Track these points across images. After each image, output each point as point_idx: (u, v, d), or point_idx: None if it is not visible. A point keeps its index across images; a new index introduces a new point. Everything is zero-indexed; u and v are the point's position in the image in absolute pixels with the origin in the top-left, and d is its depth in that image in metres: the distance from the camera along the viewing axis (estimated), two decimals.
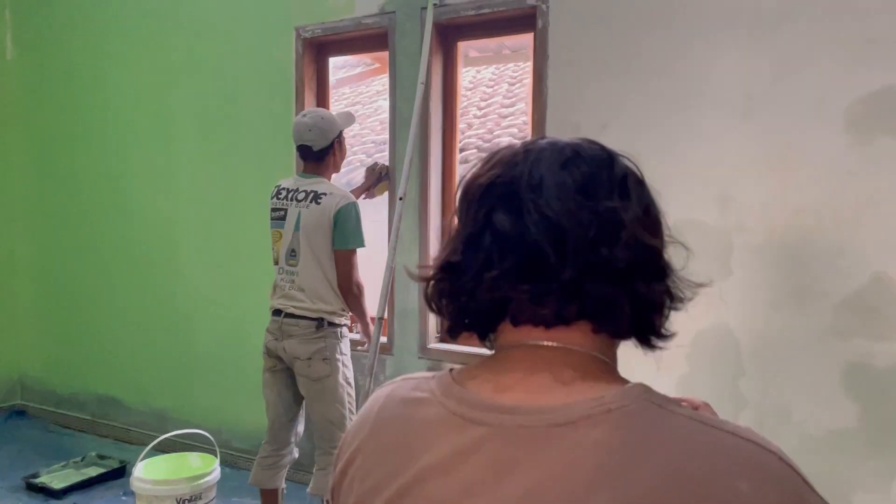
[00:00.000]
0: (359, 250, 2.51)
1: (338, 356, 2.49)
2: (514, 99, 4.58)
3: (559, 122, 2.59)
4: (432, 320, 2.97)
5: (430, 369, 2.87)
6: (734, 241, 2.32)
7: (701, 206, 2.36)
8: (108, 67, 3.77)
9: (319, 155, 2.55)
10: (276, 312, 2.53)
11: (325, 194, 2.48)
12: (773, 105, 2.25)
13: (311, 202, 2.48)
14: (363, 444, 0.68)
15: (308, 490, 2.59)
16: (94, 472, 3.35)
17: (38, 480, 3.21)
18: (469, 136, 3.85)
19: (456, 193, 0.70)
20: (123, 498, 3.13)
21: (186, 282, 3.60)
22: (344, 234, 2.46)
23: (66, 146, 4.00)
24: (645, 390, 0.60)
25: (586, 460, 0.56)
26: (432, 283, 0.68)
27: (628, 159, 0.69)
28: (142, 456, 2.62)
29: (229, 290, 3.47)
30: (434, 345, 2.96)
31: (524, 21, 2.71)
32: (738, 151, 2.30)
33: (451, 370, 0.69)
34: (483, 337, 0.68)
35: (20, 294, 4.25)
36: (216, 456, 2.78)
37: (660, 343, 0.68)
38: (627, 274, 0.62)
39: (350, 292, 2.49)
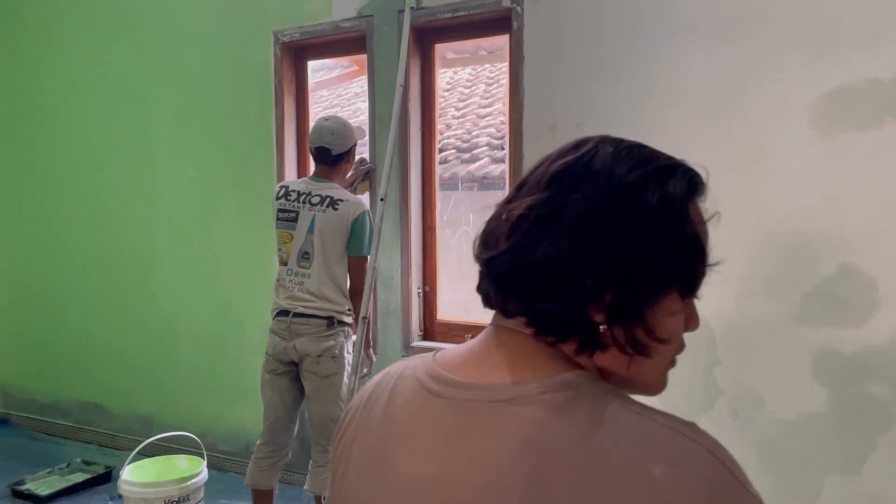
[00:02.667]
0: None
1: (345, 354, 2.58)
2: (491, 99, 4.64)
3: (536, 122, 2.65)
4: (415, 319, 3.02)
5: None
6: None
7: None
8: (83, 72, 3.77)
9: (335, 160, 2.65)
10: (283, 313, 2.58)
11: (341, 200, 2.58)
12: (739, 102, 2.32)
13: (327, 207, 2.57)
14: (357, 415, 0.74)
15: (305, 487, 2.63)
16: (79, 477, 3.35)
17: (23, 488, 3.21)
18: (448, 137, 3.90)
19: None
20: (110, 502, 3.14)
21: (166, 286, 3.61)
22: (360, 241, 2.58)
23: (40, 153, 3.99)
24: (592, 378, 0.64)
25: (516, 435, 0.60)
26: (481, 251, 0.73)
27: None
28: (129, 459, 2.64)
29: (209, 293, 3.49)
30: (417, 343, 3.00)
31: (500, 23, 2.77)
32: (707, 147, 2.37)
33: (436, 351, 0.75)
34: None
35: None
36: (203, 458, 2.80)
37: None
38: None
39: (360, 295, 2.59)
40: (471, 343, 0.71)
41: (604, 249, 0.62)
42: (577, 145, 0.69)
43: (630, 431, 0.59)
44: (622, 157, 0.66)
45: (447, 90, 5.09)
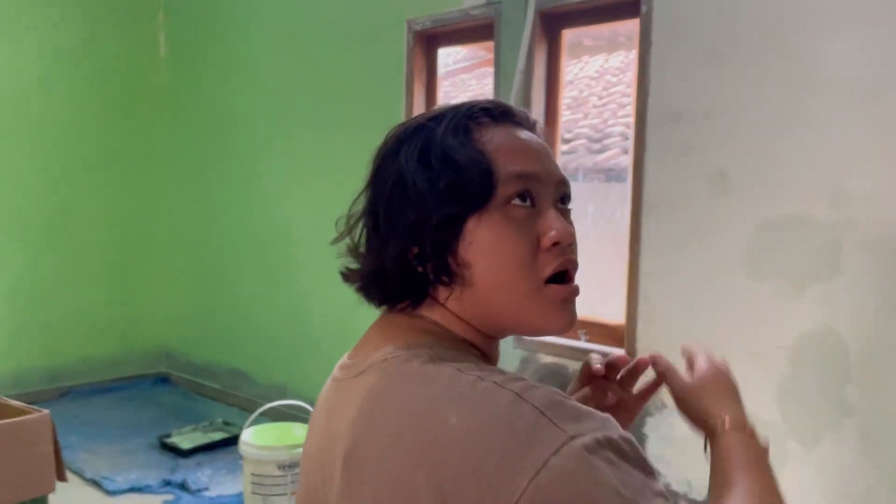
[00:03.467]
0: None
1: None
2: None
3: (660, 112, 2.51)
4: None
5: (524, 359, 2.88)
6: (844, 239, 2.16)
7: (808, 199, 2.21)
8: (240, 64, 4.07)
9: None
10: None
11: None
12: (889, 89, 2.06)
13: None
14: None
15: None
16: (218, 436, 3.65)
17: (169, 440, 3.55)
18: (582, 127, 3.80)
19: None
20: (240, 461, 3.38)
21: (302, 267, 3.83)
22: None
23: (204, 138, 4.36)
24: (431, 344, 0.66)
25: (356, 402, 0.65)
26: None
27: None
28: (248, 422, 2.83)
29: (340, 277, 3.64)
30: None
31: (629, 7, 2.64)
32: (854, 140, 2.13)
33: None
34: None
35: (164, 275, 4.68)
36: None
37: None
38: None
39: None
40: (370, 327, 0.76)
41: (387, 206, 0.69)
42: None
43: (440, 387, 0.60)
44: (399, 125, 0.74)
45: (594, 78, 4.95)
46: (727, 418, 0.74)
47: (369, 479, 0.60)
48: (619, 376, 0.87)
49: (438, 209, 0.66)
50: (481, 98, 0.75)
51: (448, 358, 0.64)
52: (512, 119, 0.73)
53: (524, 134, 0.72)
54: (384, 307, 0.74)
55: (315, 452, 0.72)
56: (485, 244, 0.66)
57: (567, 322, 0.69)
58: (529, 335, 0.71)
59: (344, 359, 0.76)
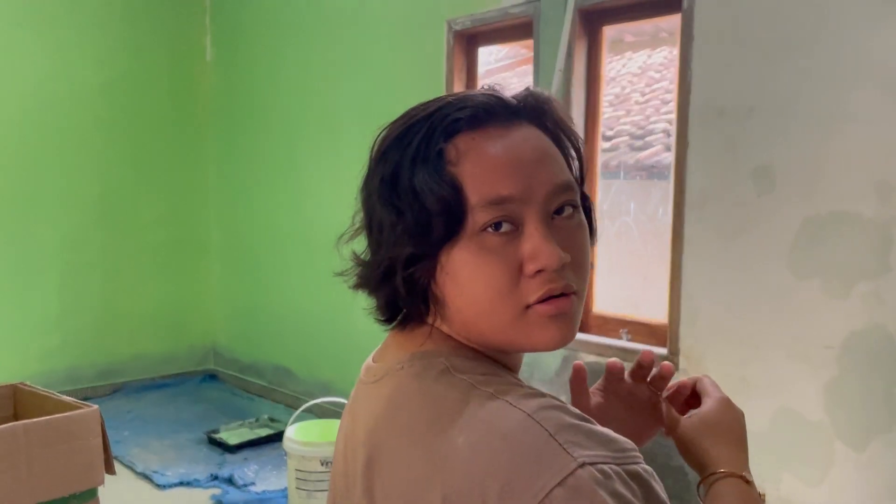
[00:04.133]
0: None
1: None
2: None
3: (703, 107, 2.47)
4: None
5: (565, 358, 2.87)
6: (894, 234, 2.09)
7: (857, 195, 2.15)
8: (284, 66, 4.14)
9: None
10: None
11: None
12: None
13: None
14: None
15: None
16: (264, 432, 3.72)
17: (217, 436, 3.63)
18: (624, 124, 3.77)
19: None
20: (284, 457, 3.44)
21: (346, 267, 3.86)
22: None
23: (252, 139, 4.44)
24: (449, 353, 0.65)
25: (374, 410, 0.66)
26: None
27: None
28: (292, 419, 2.88)
29: None
30: None
31: (670, 2, 2.61)
32: None
33: None
34: None
35: (213, 273, 4.79)
36: None
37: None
38: None
39: None
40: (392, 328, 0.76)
41: (372, 233, 0.69)
42: None
43: (449, 403, 0.59)
44: (382, 130, 0.71)
45: (637, 74, 4.89)
46: (727, 463, 0.71)
47: (384, 491, 0.61)
48: (649, 377, 0.84)
49: (406, 246, 0.63)
50: (468, 94, 0.67)
51: (463, 368, 0.62)
52: (498, 121, 0.65)
53: (507, 142, 0.64)
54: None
55: (341, 455, 0.73)
56: (459, 276, 0.62)
57: (557, 338, 0.63)
58: (525, 352, 0.68)
59: (369, 360, 0.76)
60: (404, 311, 0.69)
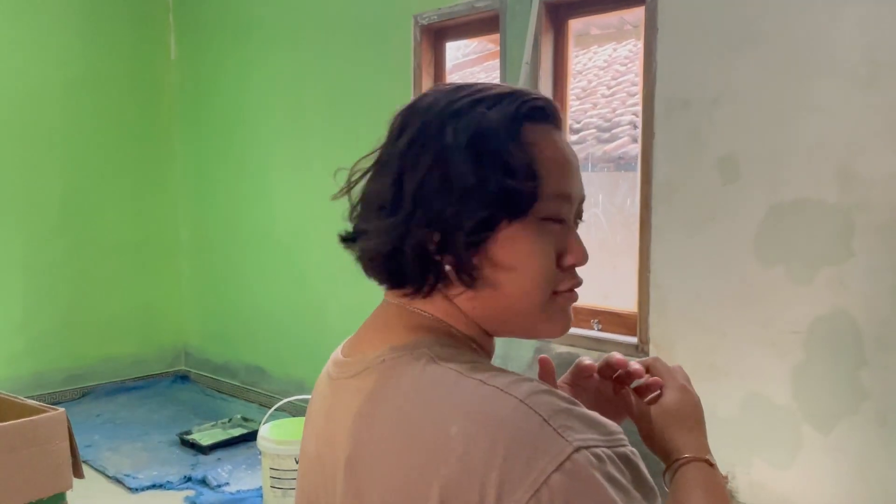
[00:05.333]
0: None
1: None
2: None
3: (668, 98, 2.50)
4: None
5: (537, 349, 2.89)
6: (856, 221, 2.14)
7: (820, 183, 2.19)
8: (251, 64, 4.10)
9: None
10: None
11: None
12: None
13: None
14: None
15: None
16: (237, 432, 3.69)
17: (189, 437, 3.59)
18: (591, 116, 3.79)
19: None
20: (259, 456, 3.42)
21: (318, 263, 3.85)
22: None
23: (219, 138, 4.39)
24: (431, 343, 0.64)
25: (353, 406, 0.64)
26: None
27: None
28: (265, 418, 2.86)
29: (355, 272, 3.66)
30: None
31: None
32: (861, 123, 2.11)
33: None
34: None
35: (183, 273, 4.74)
36: None
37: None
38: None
39: None
40: (365, 321, 0.74)
41: (418, 185, 0.63)
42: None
43: (439, 392, 0.58)
44: (444, 93, 0.67)
45: (603, 68, 4.93)
46: (690, 448, 0.73)
47: (375, 488, 0.59)
48: (615, 375, 0.84)
49: (481, 209, 0.62)
50: (530, 89, 0.72)
51: (447, 357, 0.62)
52: (556, 122, 0.70)
53: (566, 145, 0.69)
54: (385, 287, 0.72)
55: (315, 455, 0.70)
56: (518, 252, 0.65)
57: (567, 326, 0.71)
58: (529, 338, 0.71)
59: (338, 354, 0.74)
60: (417, 280, 0.67)
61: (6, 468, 1.82)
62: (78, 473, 2.02)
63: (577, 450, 0.53)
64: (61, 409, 2.00)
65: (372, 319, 0.72)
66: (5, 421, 1.89)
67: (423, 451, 0.56)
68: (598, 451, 0.54)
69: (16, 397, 2.15)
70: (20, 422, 1.88)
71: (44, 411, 1.96)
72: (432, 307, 0.68)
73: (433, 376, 0.60)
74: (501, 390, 0.56)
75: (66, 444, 1.94)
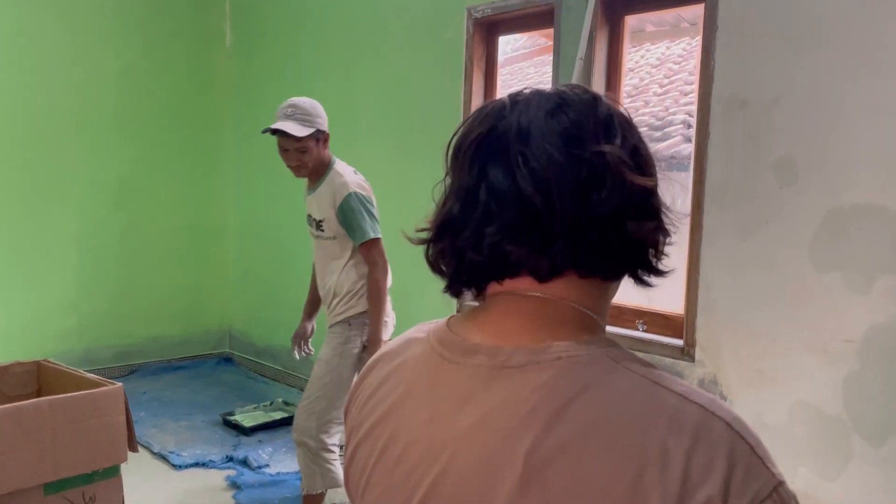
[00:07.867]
0: None
1: None
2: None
3: (726, 98, 2.46)
4: None
5: None
6: None
7: (881, 188, 2.13)
8: (303, 53, 4.14)
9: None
10: None
11: None
12: None
13: None
14: (368, 380, 0.77)
15: None
16: (278, 415, 3.75)
17: (232, 418, 3.66)
18: (642, 115, 3.75)
19: (447, 151, 0.71)
20: None
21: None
22: None
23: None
24: (608, 344, 0.62)
25: (525, 401, 0.60)
26: (433, 243, 0.71)
27: (614, 100, 0.69)
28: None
29: (398, 264, 3.68)
30: None
31: None
32: None
33: (451, 316, 0.74)
34: (480, 292, 0.70)
35: (230, 258, 4.83)
36: None
37: (654, 280, 0.69)
38: (617, 216, 0.62)
39: None
40: (482, 309, 0.69)
41: (638, 155, 0.66)
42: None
43: (637, 397, 0.58)
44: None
45: (655, 66, 4.87)
46: None
47: (574, 488, 0.56)
48: None
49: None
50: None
51: (621, 357, 0.62)
52: None
53: None
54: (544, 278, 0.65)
55: (440, 442, 0.64)
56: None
57: None
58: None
59: (448, 334, 0.69)
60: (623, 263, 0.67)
61: (66, 439, 1.88)
62: (133, 447, 2.08)
63: (781, 483, 0.56)
64: (119, 384, 2.05)
65: (514, 307, 0.66)
66: (64, 393, 1.95)
67: (637, 459, 0.55)
68: (790, 488, 0.57)
69: (74, 370, 2.22)
70: (81, 394, 1.94)
71: (102, 385, 2.02)
72: (574, 293, 0.65)
73: (623, 381, 0.59)
74: (706, 409, 0.58)
75: (123, 418, 2.00)
